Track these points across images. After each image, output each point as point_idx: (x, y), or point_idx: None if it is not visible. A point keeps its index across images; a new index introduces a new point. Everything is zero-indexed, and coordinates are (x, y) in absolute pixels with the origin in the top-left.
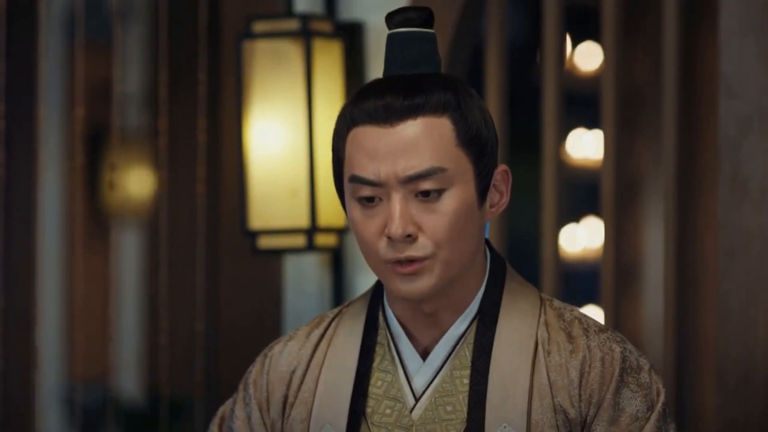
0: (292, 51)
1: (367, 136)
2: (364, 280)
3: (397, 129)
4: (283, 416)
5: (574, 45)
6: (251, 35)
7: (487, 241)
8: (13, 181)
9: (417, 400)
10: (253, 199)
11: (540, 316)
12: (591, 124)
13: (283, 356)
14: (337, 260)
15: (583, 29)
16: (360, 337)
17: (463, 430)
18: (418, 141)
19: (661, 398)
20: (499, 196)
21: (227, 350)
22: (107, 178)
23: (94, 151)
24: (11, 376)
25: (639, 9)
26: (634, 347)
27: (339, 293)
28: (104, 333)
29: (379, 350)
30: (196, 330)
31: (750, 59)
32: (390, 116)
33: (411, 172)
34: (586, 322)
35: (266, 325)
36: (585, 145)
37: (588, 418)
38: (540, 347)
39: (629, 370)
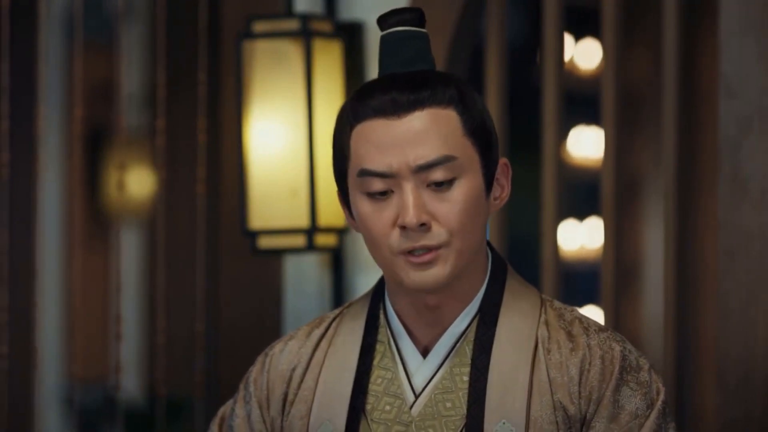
0: (292, 51)
1: (375, 130)
2: (364, 280)
3: (404, 120)
4: (283, 414)
5: (575, 43)
6: (251, 35)
7: (488, 242)
8: (13, 181)
9: (417, 396)
10: (253, 199)
11: (540, 315)
12: (591, 123)
13: (284, 355)
14: (337, 260)
15: (583, 29)
16: (360, 336)
17: (462, 426)
18: (427, 131)
19: (661, 397)
20: (501, 189)
21: (227, 350)
22: (115, 178)
23: (94, 151)
24: (11, 376)
25: (639, 9)
26: (634, 347)
27: (339, 293)
28: (104, 333)
29: (379, 348)
30: (196, 330)
31: (750, 59)
32: (397, 109)
33: (422, 161)
34: (587, 321)
35: (266, 325)
36: (585, 144)
37: (588, 415)
38: (540, 345)
39: (629, 369)
